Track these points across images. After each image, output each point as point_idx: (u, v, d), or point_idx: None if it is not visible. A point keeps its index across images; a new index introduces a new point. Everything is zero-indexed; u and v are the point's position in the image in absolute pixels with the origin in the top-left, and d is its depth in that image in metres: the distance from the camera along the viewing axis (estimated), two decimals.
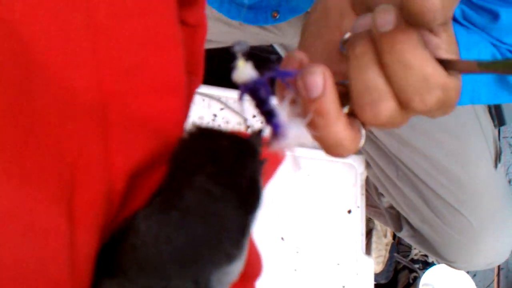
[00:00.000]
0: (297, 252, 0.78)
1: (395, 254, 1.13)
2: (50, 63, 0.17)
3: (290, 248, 0.78)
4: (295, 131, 0.23)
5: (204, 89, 0.85)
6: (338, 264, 0.78)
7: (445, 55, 0.29)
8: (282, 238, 0.78)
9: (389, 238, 1.12)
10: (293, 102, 0.24)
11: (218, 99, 0.86)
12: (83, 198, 0.18)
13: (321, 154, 0.83)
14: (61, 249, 0.17)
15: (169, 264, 0.20)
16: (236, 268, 0.21)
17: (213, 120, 0.85)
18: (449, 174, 0.74)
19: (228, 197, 0.21)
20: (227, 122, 0.85)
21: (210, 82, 0.80)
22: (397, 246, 1.15)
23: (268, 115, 0.23)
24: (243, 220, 0.21)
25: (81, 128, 0.18)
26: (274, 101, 0.23)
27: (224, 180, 0.21)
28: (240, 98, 0.23)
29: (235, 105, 0.85)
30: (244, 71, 0.22)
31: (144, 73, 0.20)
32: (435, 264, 1.11)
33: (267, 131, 0.24)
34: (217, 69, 0.91)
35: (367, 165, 0.85)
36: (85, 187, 0.18)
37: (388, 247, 1.11)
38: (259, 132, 0.23)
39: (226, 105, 0.85)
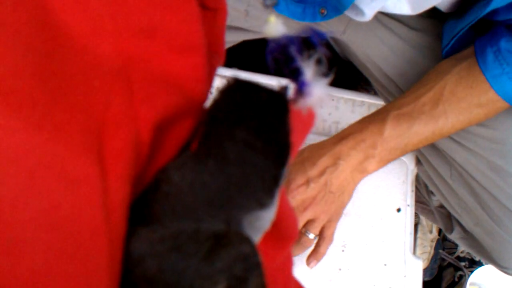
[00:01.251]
0: (343, 251, 0.75)
1: (441, 251, 1.09)
2: (73, 31, 0.19)
3: (335, 246, 0.75)
4: (319, 90, 0.23)
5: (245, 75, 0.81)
6: (385, 264, 0.75)
7: None
8: None
9: (435, 234, 1.08)
10: (318, 62, 0.23)
11: None
12: (112, 148, 0.19)
13: None
14: (94, 196, 0.18)
15: (202, 207, 0.20)
16: (267, 215, 0.22)
17: None
18: (506, 175, 0.69)
19: (267, 151, 0.21)
20: None
21: (253, 69, 0.77)
22: (443, 242, 1.11)
23: (295, 73, 0.23)
24: (277, 171, 0.22)
25: (106, 84, 0.19)
26: (300, 60, 0.23)
27: (265, 134, 0.21)
28: (269, 53, 0.23)
29: None
30: (276, 26, 0.23)
31: (161, 32, 0.21)
32: (481, 262, 1.06)
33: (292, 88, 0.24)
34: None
35: (418, 162, 0.81)
36: (113, 137, 0.19)
37: (433, 243, 1.07)
38: (286, 88, 0.24)
39: None
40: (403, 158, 0.80)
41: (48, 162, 0.17)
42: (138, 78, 0.20)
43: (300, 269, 0.73)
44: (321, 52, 0.23)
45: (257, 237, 0.23)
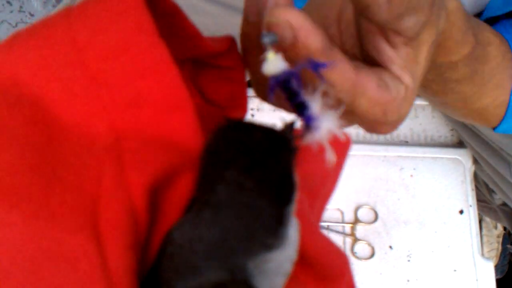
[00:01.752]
0: (408, 261, 0.73)
1: (508, 246, 1.04)
2: (66, 121, 0.20)
3: (400, 257, 0.73)
4: (328, 123, 0.22)
5: None
6: (455, 270, 0.72)
7: (398, 71, 0.28)
8: (391, 247, 0.73)
9: (500, 229, 1.03)
10: (325, 94, 0.23)
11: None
12: (106, 220, 0.19)
13: (422, 151, 0.77)
14: (94, 271, 0.19)
15: (202, 262, 0.20)
16: (279, 256, 0.21)
17: None
18: None
19: (261, 190, 0.20)
20: None
21: None
22: (509, 236, 1.06)
23: (300, 107, 0.23)
24: (277, 211, 0.21)
25: (98, 161, 0.20)
26: (305, 93, 0.23)
27: (257, 172, 0.21)
28: (271, 91, 0.23)
29: None
30: (275, 63, 0.22)
31: (148, 100, 0.21)
32: None
33: (299, 124, 0.24)
34: None
35: (474, 161, 0.78)
36: (107, 209, 0.20)
37: (500, 239, 1.02)
38: (291, 124, 0.23)
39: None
40: (459, 157, 0.77)
41: (47, 248, 0.18)
42: (130, 147, 0.21)
43: (369, 282, 0.71)
44: (324, 82, 0.23)
45: (276, 280, 0.22)
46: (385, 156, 0.77)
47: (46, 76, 0.20)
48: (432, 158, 0.77)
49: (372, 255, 0.73)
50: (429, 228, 0.74)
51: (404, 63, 0.28)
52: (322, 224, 0.74)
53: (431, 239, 0.74)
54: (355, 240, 0.73)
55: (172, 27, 0.25)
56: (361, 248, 0.73)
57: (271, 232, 0.21)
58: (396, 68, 0.28)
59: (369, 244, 0.73)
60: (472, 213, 0.75)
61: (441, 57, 0.40)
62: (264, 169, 0.21)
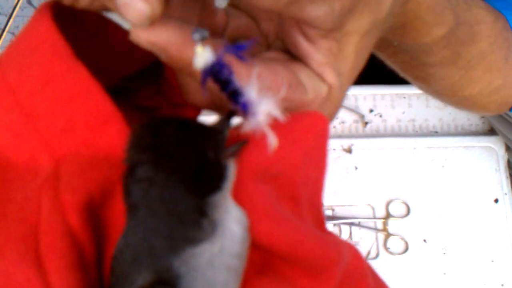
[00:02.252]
0: (444, 254, 0.71)
1: None
2: (14, 159, 0.22)
3: (435, 250, 0.71)
4: (265, 106, 0.22)
5: None
6: (492, 261, 0.71)
7: (319, 68, 0.25)
8: (425, 240, 0.72)
9: None
10: (260, 76, 0.23)
11: None
12: (46, 246, 0.20)
13: (453, 141, 0.75)
14: None
15: (132, 268, 0.20)
16: (208, 249, 0.20)
17: None
18: None
19: (173, 182, 0.20)
20: (343, 122, 0.80)
21: None
22: None
23: (235, 96, 0.22)
24: (197, 201, 0.20)
25: (38, 191, 0.21)
26: (237, 81, 0.22)
27: (165, 165, 0.20)
28: (203, 84, 0.22)
29: (349, 102, 0.80)
30: (204, 56, 0.21)
31: (76, 122, 0.22)
32: None
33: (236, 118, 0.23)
34: None
35: (507, 148, 0.76)
36: (46, 235, 0.20)
37: None
38: (227, 115, 0.23)
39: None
40: (491, 145, 0.75)
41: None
42: (66, 171, 0.22)
43: (404, 277, 0.71)
44: (247, 63, 0.23)
45: (218, 276, 0.21)
46: (415, 148, 0.75)
47: (3, 144, 0.23)
48: (464, 147, 0.75)
49: (406, 249, 0.71)
50: (463, 219, 0.73)
51: (325, 58, 0.25)
52: (353, 220, 0.73)
53: (466, 230, 0.72)
54: (388, 235, 0.72)
55: (105, 42, 0.26)
56: (395, 243, 0.72)
57: (191, 225, 0.20)
58: (316, 64, 0.25)
59: (403, 239, 0.72)
60: (507, 201, 0.73)
61: (409, 39, 0.35)
62: (174, 160, 0.20)
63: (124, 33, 0.25)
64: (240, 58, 0.22)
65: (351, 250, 0.26)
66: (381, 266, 0.71)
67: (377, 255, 0.72)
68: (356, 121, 0.79)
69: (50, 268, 0.20)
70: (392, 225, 0.73)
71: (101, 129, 0.22)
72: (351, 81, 0.27)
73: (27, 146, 0.22)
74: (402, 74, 0.45)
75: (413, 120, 0.78)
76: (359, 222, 0.73)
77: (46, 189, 0.21)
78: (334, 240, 0.25)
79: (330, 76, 0.26)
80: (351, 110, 0.79)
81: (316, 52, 0.25)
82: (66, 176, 0.22)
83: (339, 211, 0.74)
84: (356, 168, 0.76)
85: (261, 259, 0.24)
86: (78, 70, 0.22)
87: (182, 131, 0.21)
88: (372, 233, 0.73)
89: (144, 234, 0.19)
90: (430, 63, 0.40)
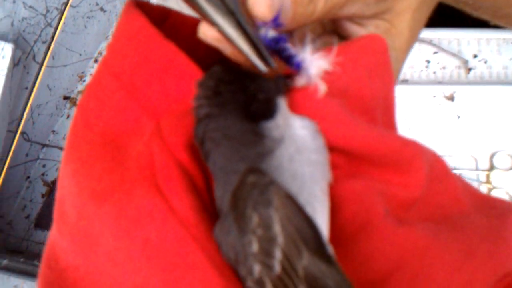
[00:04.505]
0: None
1: None
2: (117, 135, 0.27)
3: None
4: (317, 62, 0.24)
5: None
6: None
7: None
8: None
9: None
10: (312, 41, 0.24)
11: (429, 42, 0.75)
12: (163, 179, 0.23)
13: None
14: (178, 229, 0.22)
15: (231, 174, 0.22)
16: (286, 152, 0.22)
17: (426, 67, 0.75)
18: None
19: (225, 113, 0.22)
20: (444, 68, 0.74)
21: None
22: None
23: (290, 58, 0.24)
24: (250, 125, 0.22)
25: (148, 144, 0.25)
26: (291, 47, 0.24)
27: (218, 102, 0.22)
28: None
29: (451, 47, 0.74)
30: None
31: (167, 88, 0.27)
32: None
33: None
34: None
35: None
36: (161, 171, 0.24)
37: None
38: (285, 75, 0.24)
39: (440, 48, 0.75)
40: None
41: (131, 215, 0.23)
42: (165, 123, 0.25)
43: None
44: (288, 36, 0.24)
45: (304, 168, 0.22)
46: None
47: (113, 122, 0.27)
48: None
49: None
50: None
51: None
52: (454, 171, 0.69)
53: None
54: (492, 188, 0.68)
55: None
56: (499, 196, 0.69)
57: (252, 144, 0.22)
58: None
59: (507, 193, 0.68)
60: None
61: None
62: (226, 97, 0.22)
63: (191, 32, 0.28)
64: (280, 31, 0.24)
65: (433, 153, 0.28)
66: None
67: None
68: (458, 67, 0.74)
69: (169, 195, 0.23)
70: (496, 178, 0.69)
71: (188, 88, 0.25)
72: (407, 53, 0.30)
73: (131, 115, 0.26)
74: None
75: None
76: (461, 174, 0.69)
77: (154, 140, 0.24)
78: (413, 141, 0.26)
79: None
80: (453, 54, 0.74)
81: (364, 32, 0.28)
82: (167, 127, 0.25)
83: None
84: (458, 117, 0.71)
85: (346, 164, 0.25)
86: (167, 46, 0.26)
87: (238, 77, 0.23)
88: (474, 185, 0.69)
89: (223, 163, 0.22)
90: None
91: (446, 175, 0.28)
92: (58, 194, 0.27)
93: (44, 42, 0.96)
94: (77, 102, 0.77)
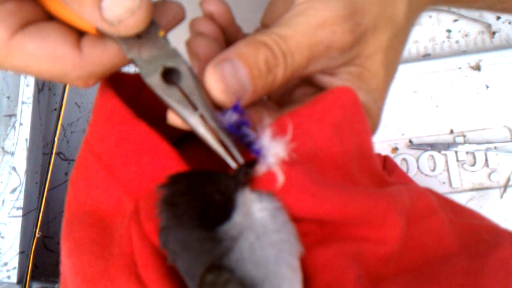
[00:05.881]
0: None
1: None
2: (104, 211, 0.28)
3: None
4: (276, 149, 0.24)
5: None
6: None
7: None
8: None
9: None
10: (269, 127, 0.25)
11: (448, 10, 0.71)
12: (141, 265, 0.25)
13: None
14: None
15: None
16: (245, 243, 0.23)
17: (448, 37, 0.71)
18: None
19: (182, 224, 0.23)
20: (466, 35, 0.70)
21: None
22: None
23: (249, 144, 0.25)
24: (208, 233, 0.23)
25: (128, 227, 0.26)
26: (251, 133, 0.25)
27: (174, 213, 0.23)
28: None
29: (471, 12, 0.70)
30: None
31: (145, 169, 0.27)
32: None
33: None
34: None
35: None
36: (140, 257, 0.25)
37: None
38: (245, 163, 0.25)
39: (459, 15, 0.70)
40: None
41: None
42: (143, 206, 0.26)
43: None
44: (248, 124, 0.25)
45: (266, 252, 0.23)
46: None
47: (99, 201, 0.28)
48: None
49: None
50: None
51: (347, 82, 0.27)
52: (488, 145, 0.66)
53: None
54: None
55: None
56: None
57: (210, 250, 0.22)
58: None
59: None
60: None
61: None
62: (181, 207, 0.23)
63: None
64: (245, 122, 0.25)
65: (416, 192, 0.28)
66: None
67: None
68: (481, 32, 0.70)
69: (148, 282, 0.24)
70: None
71: (162, 166, 0.26)
72: (387, 90, 0.29)
73: (114, 195, 0.27)
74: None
75: None
76: (495, 147, 0.66)
77: (132, 223, 0.26)
78: (388, 191, 0.26)
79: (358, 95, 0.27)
80: (474, 20, 0.69)
81: (337, 81, 0.27)
82: (143, 210, 0.26)
83: (471, 137, 0.67)
84: (487, 86, 0.67)
85: (319, 228, 0.25)
86: (139, 127, 0.26)
87: (194, 181, 0.24)
88: (509, 158, 0.66)
89: (186, 268, 0.23)
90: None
91: (431, 211, 0.28)
92: (62, 268, 0.29)
93: None
94: None
